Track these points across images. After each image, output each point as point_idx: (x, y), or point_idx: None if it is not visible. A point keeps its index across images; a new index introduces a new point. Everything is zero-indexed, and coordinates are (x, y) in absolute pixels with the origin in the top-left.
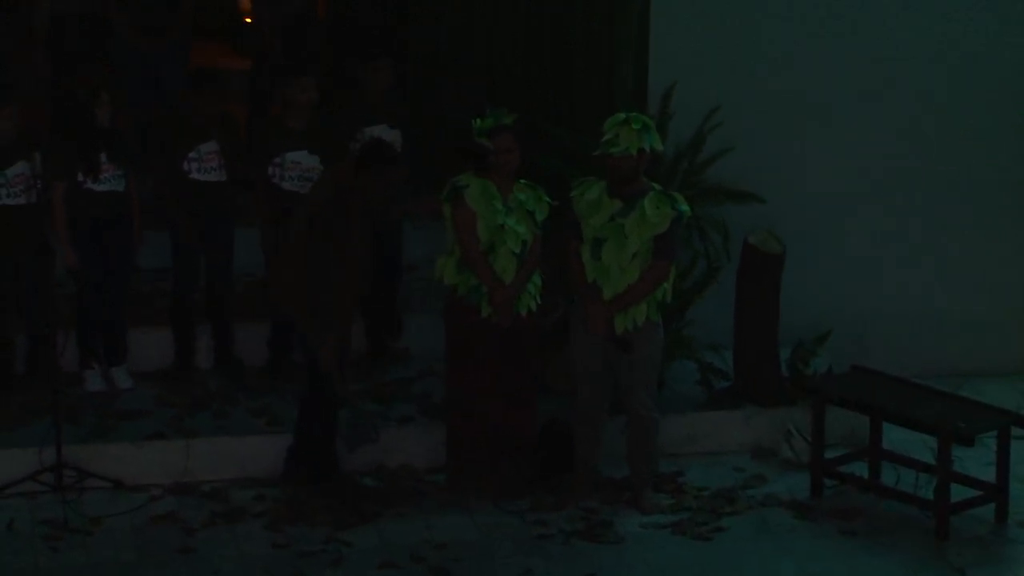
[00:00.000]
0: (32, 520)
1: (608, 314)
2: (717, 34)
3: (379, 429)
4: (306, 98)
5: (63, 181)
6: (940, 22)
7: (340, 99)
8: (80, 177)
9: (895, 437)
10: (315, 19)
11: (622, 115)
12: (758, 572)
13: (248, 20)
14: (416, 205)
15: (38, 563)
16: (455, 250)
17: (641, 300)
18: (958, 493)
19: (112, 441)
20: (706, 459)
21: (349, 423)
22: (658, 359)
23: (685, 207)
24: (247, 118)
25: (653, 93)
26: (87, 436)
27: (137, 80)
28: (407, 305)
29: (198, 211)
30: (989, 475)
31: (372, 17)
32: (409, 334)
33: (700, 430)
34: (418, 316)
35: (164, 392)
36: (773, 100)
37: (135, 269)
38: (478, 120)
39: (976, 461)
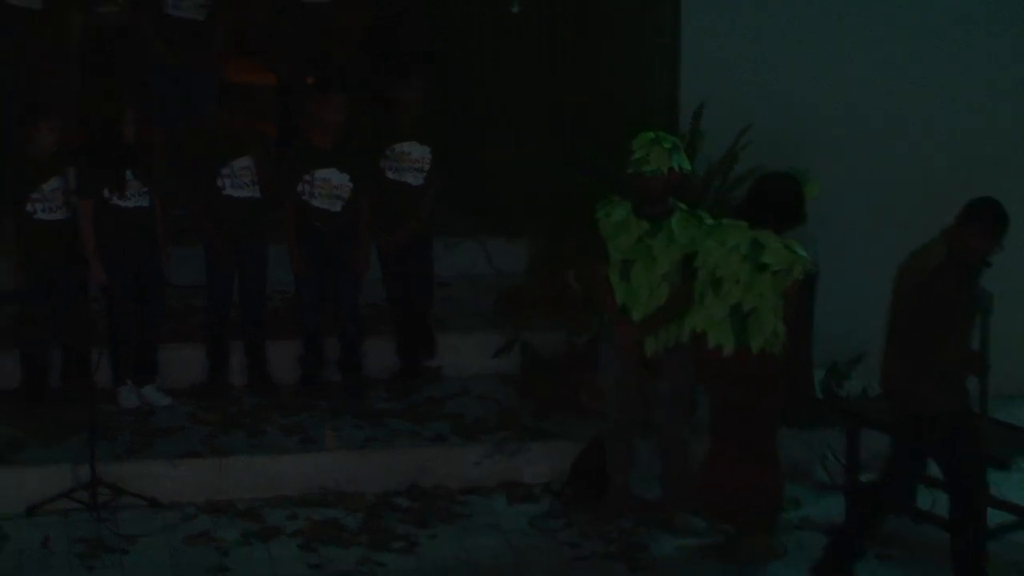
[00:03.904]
0: (67, 538)
1: (637, 336)
2: (748, 53)
3: None
4: (335, 116)
5: (90, 198)
6: (983, 42)
7: (370, 116)
8: (106, 194)
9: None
10: (345, 36)
11: (651, 134)
12: None
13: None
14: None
15: None
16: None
17: (671, 322)
18: (995, 518)
19: (147, 459)
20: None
21: None
22: (689, 381)
23: None
24: (276, 135)
25: (684, 112)
26: (122, 453)
27: (170, 96)
28: (440, 323)
29: (231, 227)
30: None
31: (404, 34)
32: (442, 352)
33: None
34: (451, 334)
35: (198, 409)
36: (806, 119)
37: (167, 285)
38: None
39: (1013, 485)
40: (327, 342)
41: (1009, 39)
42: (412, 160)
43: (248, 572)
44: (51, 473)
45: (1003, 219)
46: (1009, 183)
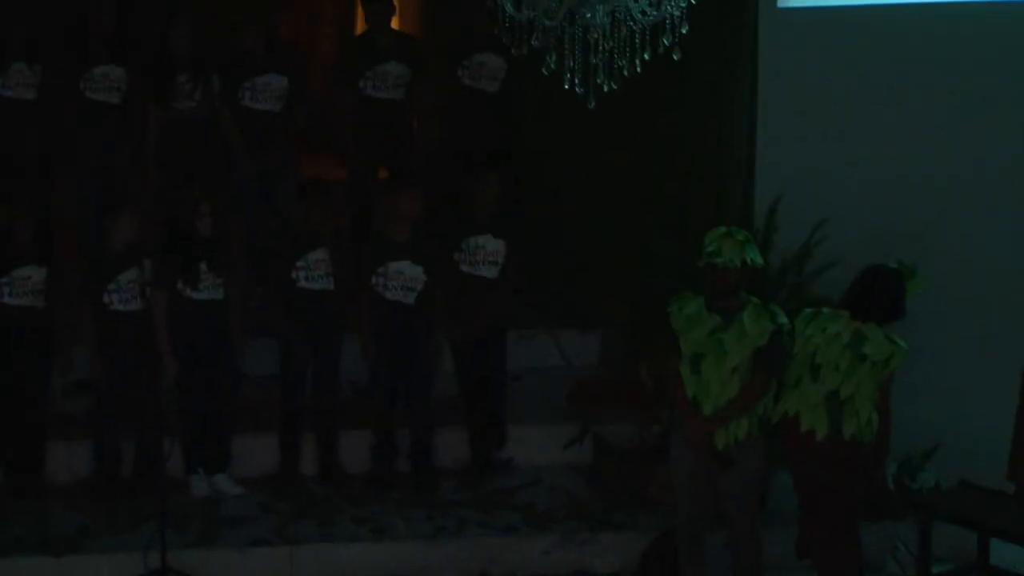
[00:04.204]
0: None
1: (708, 429)
2: (821, 150)
3: None
4: (411, 209)
5: (165, 289)
6: None
7: (444, 210)
8: (180, 286)
9: (1003, 553)
10: (420, 131)
11: (723, 228)
12: None
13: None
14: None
15: None
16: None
17: (742, 415)
18: None
19: (217, 547)
20: (811, 573)
21: None
22: (760, 474)
23: (784, 320)
24: (349, 228)
25: (759, 207)
26: (192, 541)
27: (247, 188)
28: (511, 415)
29: (306, 319)
30: None
31: (479, 128)
32: (513, 444)
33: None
34: (522, 426)
35: (269, 498)
36: (878, 214)
37: (240, 376)
38: None
39: None
40: (399, 433)
41: None
42: (487, 253)
43: None
44: (122, 561)
45: None
46: None
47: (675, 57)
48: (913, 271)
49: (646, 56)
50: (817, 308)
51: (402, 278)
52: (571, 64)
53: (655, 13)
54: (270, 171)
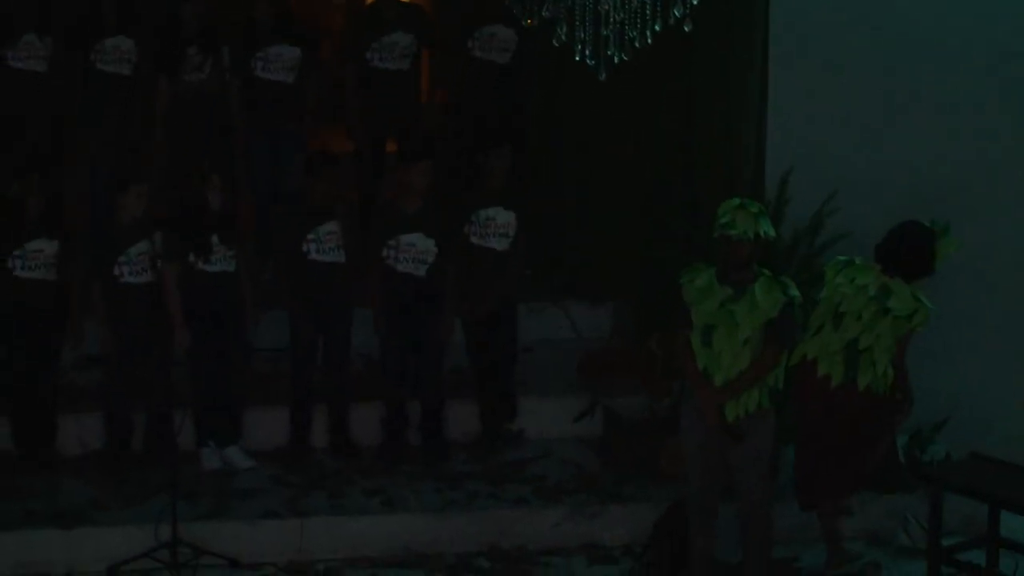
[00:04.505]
0: None
1: (719, 401)
2: (833, 120)
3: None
4: (423, 181)
5: (176, 263)
6: None
7: (455, 183)
8: (192, 258)
9: (1014, 525)
10: (428, 105)
11: (736, 200)
12: None
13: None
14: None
15: None
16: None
17: (752, 387)
18: None
19: (227, 519)
20: (821, 545)
21: None
22: (771, 445)
23: (796, 292)
24: (359, 201)
25: (770, 180)
26: (203, 514)
27: (258, 161)
28: (522, 387)
29: (316, 292)
30: None
31: (492, 103)
32: (523, 416)
33: (815, 516)
34: (532, 398)
35: (280, 471)
36: (890, 185)
37: (251, 349)
38: None
39: None
40: (409, 405)
41: None
42: (498, 226)
43: None
44: (133, 533)
45: None
46: None
47: (686, 29)
48: (946, 230)
49: (657, 27)
50: (850, 258)
51: (413, 250)
52: (582, 35)
53: None
54: (281, 143)
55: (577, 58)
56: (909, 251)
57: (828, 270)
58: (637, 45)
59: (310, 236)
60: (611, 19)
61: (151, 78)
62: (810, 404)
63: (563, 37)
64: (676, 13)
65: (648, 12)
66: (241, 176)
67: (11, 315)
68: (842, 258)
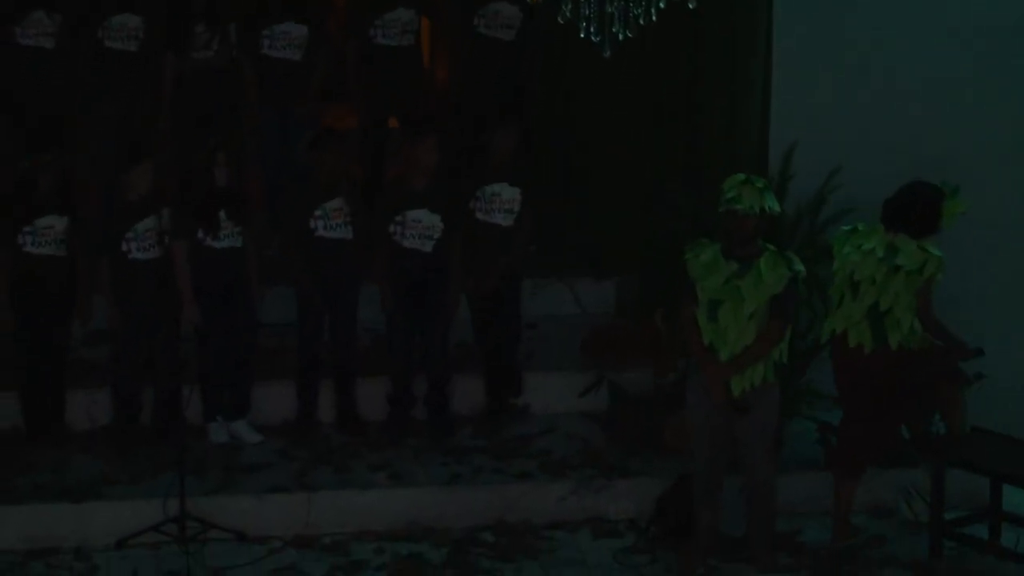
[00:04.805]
0: (156, 570)
1: (725, 376)
2: (836, 97)
3: None
4: (429, 158)
5: (184, 239)
6: None
7: (461, 159)
8: (200, 234)
9: (1016, 499)
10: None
11: (742, 176)
12: None
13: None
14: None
15: None
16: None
17: (758, 361)
18: None
19: (235, 493)
20: (825, 518)
21: None
22: (775, 420)
23: (800, 267)
24: (365, 177)
25: (773, 155)
26: (211, 488)
27: (265, 137)
28: (527, 362)
29: (323, 267)
30: None
31: (497, 80)
32: (529, 391)
33: (818, 489)
34: (538, 373)
35: (287, 446)
36: (893, 160)
37: (258, 324)
38: None
39: None
40: (416, 380)
41: None
42: (503, 201)
43: None
44: (141, 507)
45: None
46: None
47: (690, 5)
48: (955, 191)
49: (661, 4)
50: (853, 226)
51: (420, 226)
52: (587, 12)
53: None
54: (290, 120)
55: (582, 35)
56: (918, 208)
57: (835, 243)
58: (642, 22)
59: (317, 213)
60: None
61: (158, 55)
62: (852, 377)
63: (568, 14)
64: None
65: None
66: (252, 153)
67: (21, 291)
68: (846, 228)
